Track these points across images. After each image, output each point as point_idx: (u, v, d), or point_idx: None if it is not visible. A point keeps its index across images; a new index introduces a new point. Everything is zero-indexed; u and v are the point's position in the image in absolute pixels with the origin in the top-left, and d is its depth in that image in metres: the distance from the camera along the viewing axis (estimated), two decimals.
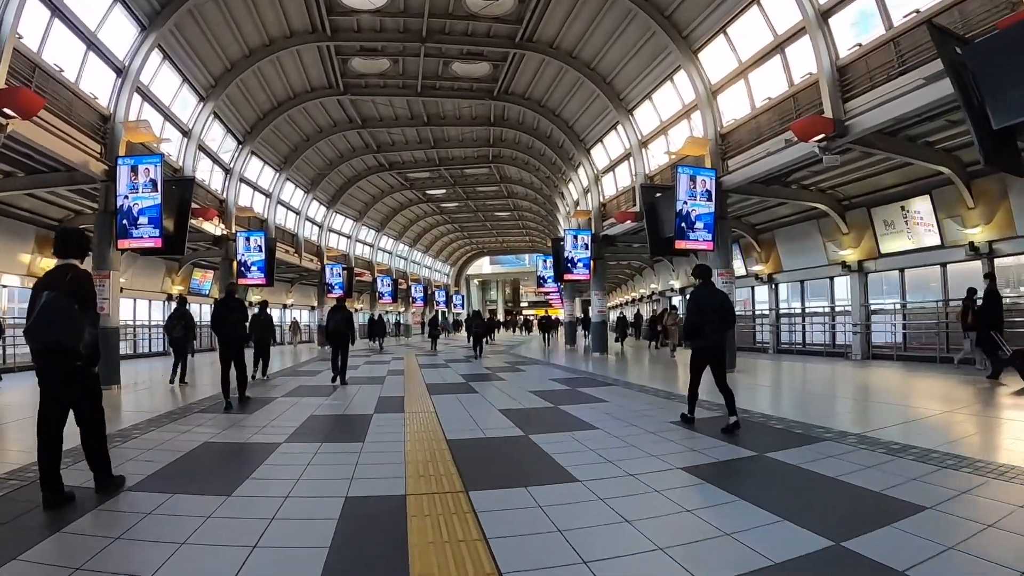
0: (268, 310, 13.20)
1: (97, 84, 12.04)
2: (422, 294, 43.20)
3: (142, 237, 10.78)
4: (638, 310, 26.51)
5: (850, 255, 16.09)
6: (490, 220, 42.35)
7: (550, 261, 27.74)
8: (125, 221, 10.86)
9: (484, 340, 19.26)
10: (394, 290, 36.24)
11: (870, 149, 11.28)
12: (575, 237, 19.27)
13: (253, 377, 11.06)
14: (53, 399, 3.69)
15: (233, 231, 18.47)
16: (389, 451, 5.33)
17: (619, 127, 18.88)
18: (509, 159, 27.54)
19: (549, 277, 26.43)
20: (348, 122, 22.38)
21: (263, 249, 17.77)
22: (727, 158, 14.13)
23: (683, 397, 6.78)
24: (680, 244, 12.34)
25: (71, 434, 3.86)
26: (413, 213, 38.01)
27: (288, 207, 24.86)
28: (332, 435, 6.22)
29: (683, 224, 12.34)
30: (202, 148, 17.27)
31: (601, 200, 21.15)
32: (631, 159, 19.08)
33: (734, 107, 14.18)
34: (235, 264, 17.91)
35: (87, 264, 4.31)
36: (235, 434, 6.15)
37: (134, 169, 10.89)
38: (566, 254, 19.02)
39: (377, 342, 24.92)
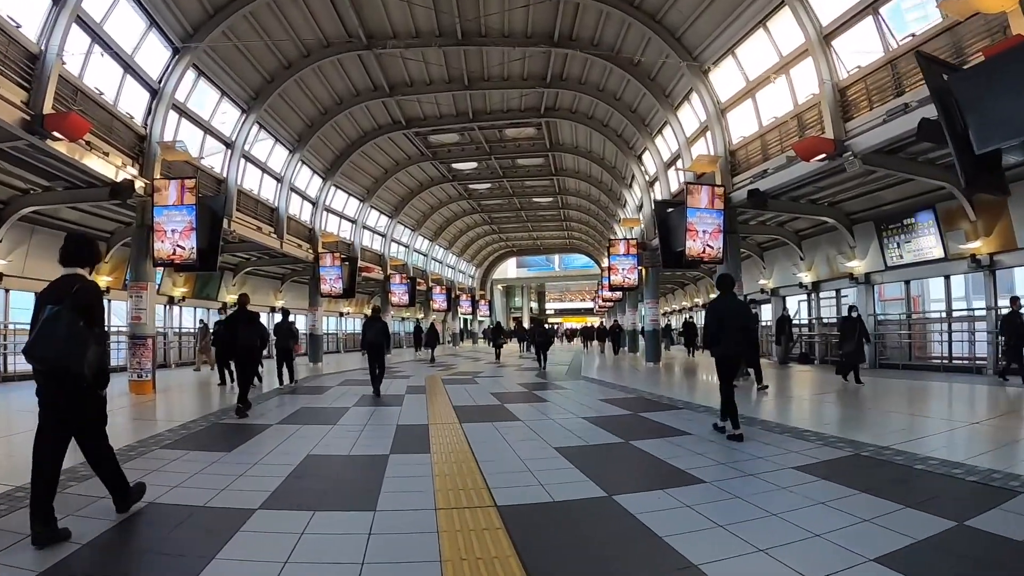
0: (289, 318, 12.82)
1: None
2: (444, 297, 35.98)
3: None
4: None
5: None
6: (527, 208, 35.10)
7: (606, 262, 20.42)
8: None
9: (546, 352, 17.09)
10: (411, 291, 29.08)
11: None
12: (703, 193, 11.90)
13: (282, 383, 11.65)
14: (52, 421, 3.27)
15: (152, 179, 11.42)
16: None
17: (777, 17, 11.67)
18: (567, 110, 20.31)
19: (625, 268, 19.04)
20: (347, 39, 15.33)
21: (195, 210, 10.60)
22: None
23: None
24: None
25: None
26: (435, 197, 30.97)
27: (265, 169, 17.86)
28: None
29: None
30: (85, 27, 10.30)
31: (728, 146, 13.84)
32: (790, 74, 11.88)
33: None
34: (153, 234, 10.81)
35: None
36: None
37: None
38: (689, 220, 11.67)
39: (429, 352, 22.41)
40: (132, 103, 12.07)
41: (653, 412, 7.99)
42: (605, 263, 37.30)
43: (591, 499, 4.02)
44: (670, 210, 12.99)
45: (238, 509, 3.76)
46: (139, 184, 11.36)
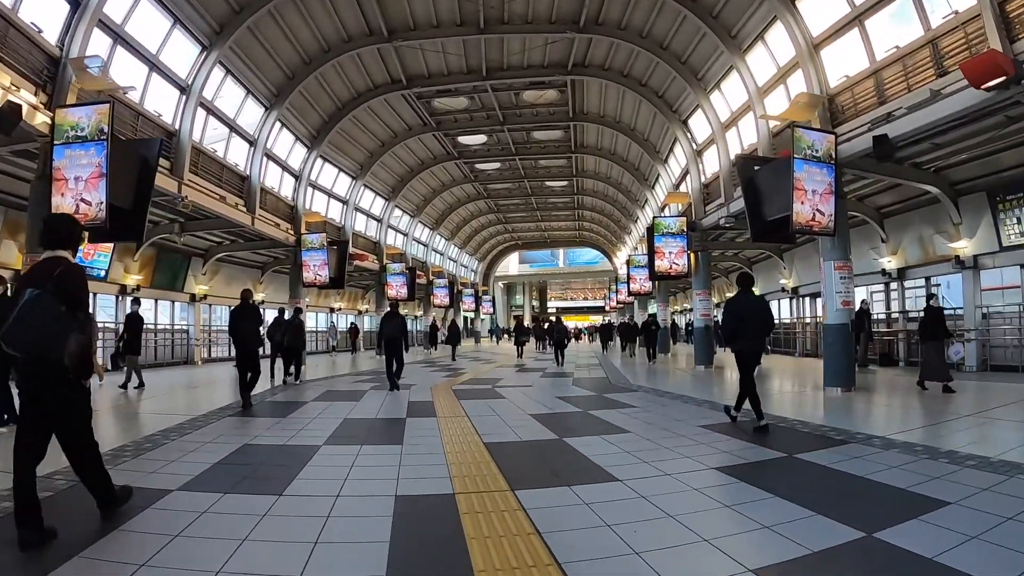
0: (301, 316, 12.81)
1: None
2: (447, 291, 32.74)
3: None
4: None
5: None
6: (537, 193, 31.90)
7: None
8: None
9: (563, 348, 17.78)
10: (410, 284, 25.80)
11: None
12: (814, 140, 8.78)
13: (284, 382, 11.23)
14: (34, 415, 3.00)
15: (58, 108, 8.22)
16: None
17: None
18: (598, 66, 17.13)
19: (672, 252, 15.71)
20: None
21: (104, 149, 7.36)
22: None
23: None
24: None
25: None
26: (437, 179, 27.81)
27: (233, 127, 14.62)
28: None
29: None
30: None
31: (825, 89, 10.71)
32: None
33: None
34: (52, 185, 7.59)
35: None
36: None
37: None
38: (796, 176, 8.53)
39: (451, 351, 21.14)
40: (42, 15, 8.88)
41: (815, 451, 4.94)
42: (622, 256, 34.26)
43: None
44: (758, 167, 9.88)
45: None
46: (42, 119, 8.18)
